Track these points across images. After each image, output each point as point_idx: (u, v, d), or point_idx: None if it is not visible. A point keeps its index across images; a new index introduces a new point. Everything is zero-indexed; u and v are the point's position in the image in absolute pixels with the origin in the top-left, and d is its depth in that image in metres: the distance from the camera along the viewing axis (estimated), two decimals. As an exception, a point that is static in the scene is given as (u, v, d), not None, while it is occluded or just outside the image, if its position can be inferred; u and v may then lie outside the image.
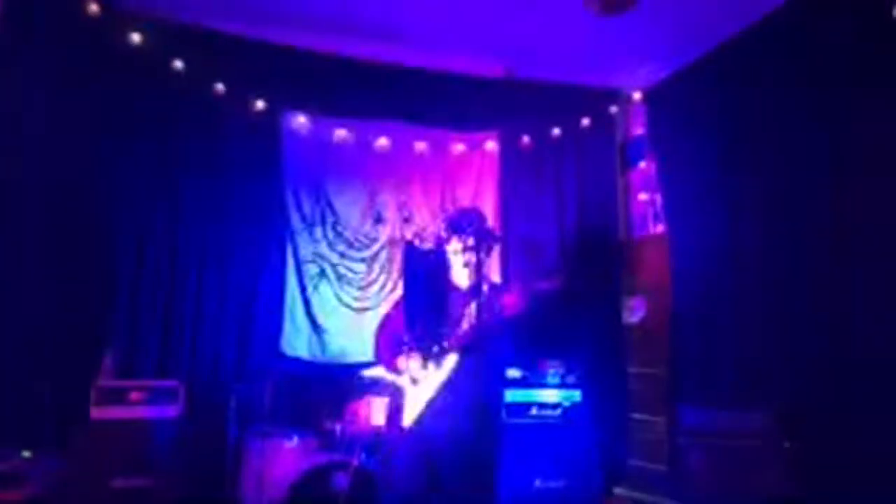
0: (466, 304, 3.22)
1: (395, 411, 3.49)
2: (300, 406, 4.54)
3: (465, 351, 3.23)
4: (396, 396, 3.47)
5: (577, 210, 5.68)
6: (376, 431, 3.98)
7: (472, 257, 3.11)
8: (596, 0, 4.24)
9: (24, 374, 4.07)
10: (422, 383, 3.32)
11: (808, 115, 4.27)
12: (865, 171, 3.92)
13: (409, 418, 3.30)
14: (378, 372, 3.66)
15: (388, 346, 3.52)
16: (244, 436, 4.27)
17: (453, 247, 3.32)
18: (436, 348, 3.20)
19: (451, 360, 3.26)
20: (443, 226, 3.34)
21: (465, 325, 3.22)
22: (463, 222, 3.33)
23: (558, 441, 4.57)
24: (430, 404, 3.27)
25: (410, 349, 3.30)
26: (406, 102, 5.26)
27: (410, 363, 3.32)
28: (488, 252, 3.22)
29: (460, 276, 3.37)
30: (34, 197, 4.18)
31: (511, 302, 3.25)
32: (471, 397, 3.26)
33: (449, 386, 3.27)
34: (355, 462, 3.93)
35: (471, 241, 3.10)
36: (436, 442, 3.22)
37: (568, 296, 5.20)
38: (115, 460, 3.94)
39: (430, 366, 3.30)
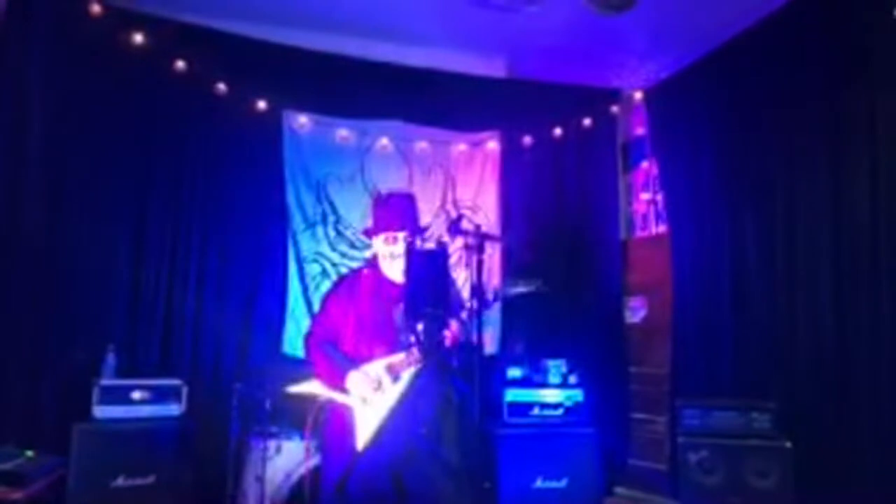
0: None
1: (339, 433, 3.08)
2: (302, 406, 4.54)
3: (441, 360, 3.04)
4: (335, 416, 3.09)
5: (579, 210, 5.68)
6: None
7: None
8: None
9: (25, 373, 4.07)
10: (374, 402, 3.01)
11: (808, 115, 4.27)
12: (866, 169, 3.93)
13: (362, 440, 2.98)
14: (311, 387, 3.19)
15: (325, 358, 3.16)
16: (246, 435, 4.27)
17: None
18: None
19: (407, 374, 3.00)
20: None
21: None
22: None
23: (560, 440, 4.58)
24: (388, 423, 2.97)
25: (411, 347, 3.02)
26: (407, 102, 5.26)
27: (362, 382, 3.01)
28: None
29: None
30: (35, 195, 4.19)
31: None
32: (435, 411, 3.03)
33: (408, 401, 3.00)
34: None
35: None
36: (399, 462, 2.97)
37: (562, 296, 5.17)
38: (117, 459, 3.94)
39: (385, 384, 3.01)
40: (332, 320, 3.27)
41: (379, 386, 3.03)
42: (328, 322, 3.28)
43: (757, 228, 4.61)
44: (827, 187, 4.14)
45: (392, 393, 3.02)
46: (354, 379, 3.05)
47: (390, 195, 3.64)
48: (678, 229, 5.27)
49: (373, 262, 3.40)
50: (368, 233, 3.45)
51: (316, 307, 3.44)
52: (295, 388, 3.40)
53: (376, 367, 3.09)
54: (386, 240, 3.29)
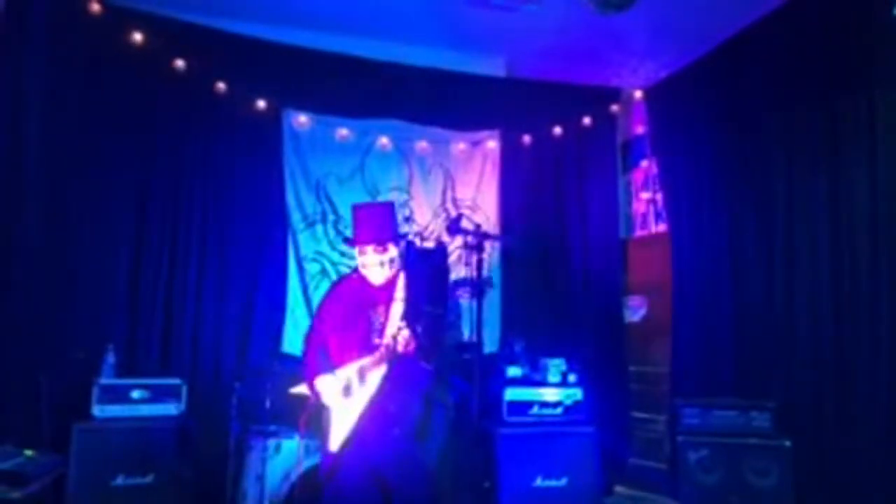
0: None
1: (323, 434, 3.19)
2: (300, 405, 4.54)
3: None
4: (322, 417, 3.18)
5: (579, 209, 5.68)
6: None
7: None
8: (596, -1, 4.24)
9: (25, 372, 4.07)
10: (346, 404, 3.09)
11: (808, 114, 4.27)
12: (865, 169, 3.93)
13: (336, 441, 3.06)
14: (304, 389, 3.30)
15: (313, 360, 3.24)
16: (245, 434, 4.27)
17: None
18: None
19: (375, 376, 3.04)
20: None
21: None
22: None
23: (559, 439, 4.57)
24: (361, 425, 3.03)
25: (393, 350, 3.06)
26: (407, 101, 5.26)
27: (330, 384, 3.09)
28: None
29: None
30: (34, 194, 4.18)
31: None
32: (410, 411, 3.08)
33: (378, 402, 3.05)
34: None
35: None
36: (380, 463, 3.03)
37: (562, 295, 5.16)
38: (116, 459, 3.94)
39: (354, 387, 3.07)
40: (324, 324, 3.32)
41: (347, 388, 3.08)
42: (321, 325, 3.33)
43: (757, 228, 4.61)
44: (826, 187, 4.14)
45: (362, 395, 3.06)
46: (323, 381, 3.11)
47: (362, 207, 3.55)
48: (678, 229, 5.27)
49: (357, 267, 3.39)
50: (349, 242, 3.43)
51: (314, 310, 3.49)
52: (294, 389, 3.51)
53: (348, 371, 3.14)
54: (361, 251, 3.30)
